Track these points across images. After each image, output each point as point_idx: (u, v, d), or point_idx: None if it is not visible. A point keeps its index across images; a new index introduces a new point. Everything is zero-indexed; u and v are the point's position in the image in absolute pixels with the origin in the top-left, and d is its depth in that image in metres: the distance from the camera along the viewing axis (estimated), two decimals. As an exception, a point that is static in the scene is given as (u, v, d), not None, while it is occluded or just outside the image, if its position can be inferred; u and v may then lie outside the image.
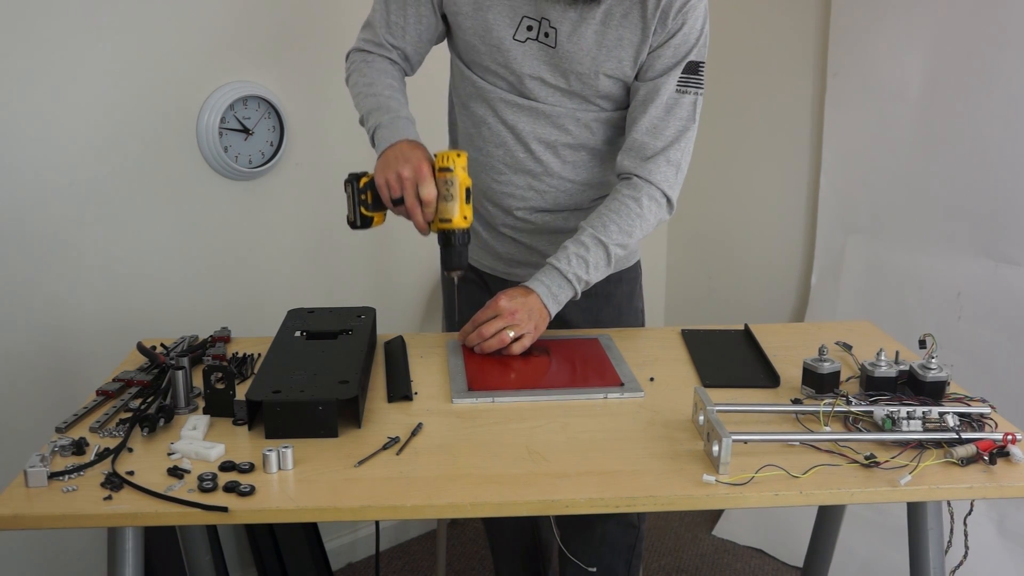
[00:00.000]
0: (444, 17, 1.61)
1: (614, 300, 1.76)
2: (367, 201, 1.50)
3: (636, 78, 1.54)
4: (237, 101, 1.98)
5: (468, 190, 1.45)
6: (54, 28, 1.73)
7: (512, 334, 1.48)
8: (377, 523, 1.57)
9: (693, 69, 1.52)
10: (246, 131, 2.01)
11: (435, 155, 1.46)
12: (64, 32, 1.74)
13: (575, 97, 1.56)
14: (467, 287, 1.81)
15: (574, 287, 1.52)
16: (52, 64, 1.74)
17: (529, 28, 1.51)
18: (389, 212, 1.52)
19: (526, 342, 1.50)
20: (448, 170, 1.43)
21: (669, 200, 1.56)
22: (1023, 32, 2.16)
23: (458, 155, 1.44)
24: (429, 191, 1.43)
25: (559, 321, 1.75)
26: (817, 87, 2.62)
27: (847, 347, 1.57)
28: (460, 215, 1.45)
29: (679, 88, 1.52)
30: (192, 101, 1.95)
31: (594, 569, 1.84)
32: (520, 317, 1.48)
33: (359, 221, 1.52)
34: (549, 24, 1.50)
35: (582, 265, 1.51)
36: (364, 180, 1.51)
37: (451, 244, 1.46)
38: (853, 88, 2.52)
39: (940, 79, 2.33)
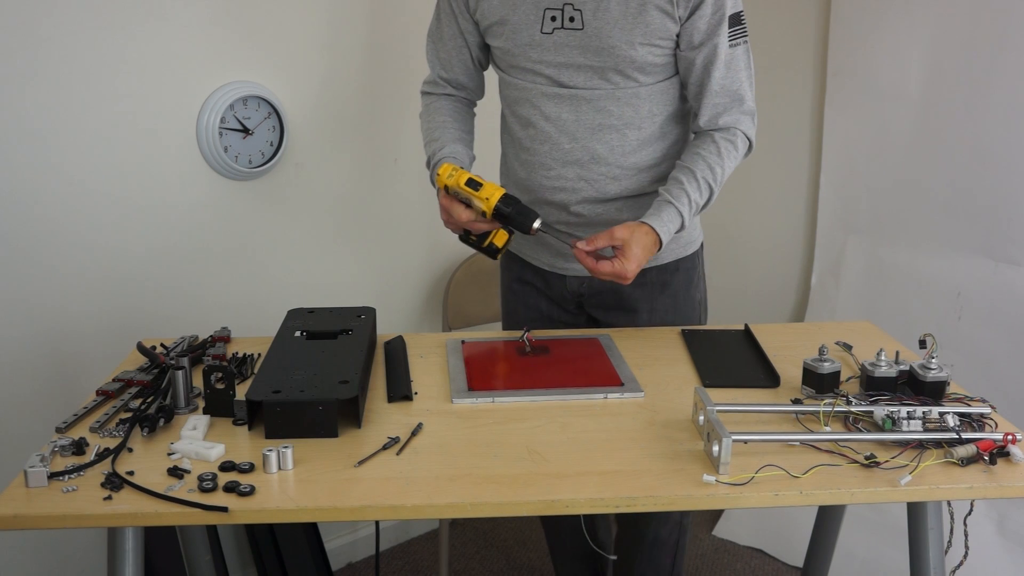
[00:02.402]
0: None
1: (670, 289, 1.75)
2: (474, 240, 1.57)
3: (682, 48, 1.56)
4: (237, 101, 1.98)
5: (469, 180, 1.48)
6: (54, 28, 1.73)
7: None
8: (377, 523, 1.57)
9: (736, 20, 1.56)
10: (246, 131, 2.01)
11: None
12: (64, 32, 1.74)
13: (613, 74, 1.56)
14: (524, 289, 1.81)
15: (680, 213, 1.54)
16: (52, 64, 1.74)
17: (553, 19, 1.54)
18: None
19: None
20: (446, 187, 1.51)
21: (750, 144, 1.63)
22: (1023, 32, 2.16)
23: (439, 173, 1.51)
24: (458, 216, 1.51)
25: (622, 306, 1.74)
26: (817, 87, 2.62)
27: (847, 347, 1.57)
28: (484, 197, 1.47)
29: (731, 43, 1.56)
30: (192, 101, 1.94)
31: (614, 557, 1.93)
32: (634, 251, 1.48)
33: (490, 254, 1.58)
34: (572, 7, 1.52)
35: (683, 195, 1.55)
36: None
37: (508, 215, 1.47)
38: (853, 88, 2.52)
39: (940, 79, 2.33)
